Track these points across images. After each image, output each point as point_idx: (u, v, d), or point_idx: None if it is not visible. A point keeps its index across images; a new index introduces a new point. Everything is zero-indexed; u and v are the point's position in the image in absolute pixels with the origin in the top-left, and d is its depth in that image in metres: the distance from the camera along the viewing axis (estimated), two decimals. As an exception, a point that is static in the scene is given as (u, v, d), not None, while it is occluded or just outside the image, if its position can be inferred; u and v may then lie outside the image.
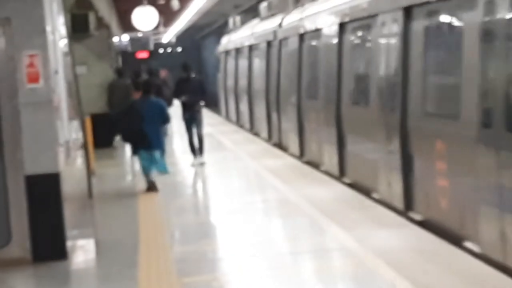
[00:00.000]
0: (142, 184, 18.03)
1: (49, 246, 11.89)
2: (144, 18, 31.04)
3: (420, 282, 9.34)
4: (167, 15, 37.73)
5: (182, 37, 72.01)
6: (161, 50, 79.71)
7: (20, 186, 11.84)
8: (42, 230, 11.84)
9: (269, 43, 27.78)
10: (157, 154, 17.64)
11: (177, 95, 21.80)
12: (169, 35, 64.74)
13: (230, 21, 41.09)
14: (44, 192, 11.87)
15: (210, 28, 66.70)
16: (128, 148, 25.00)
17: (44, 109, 11.90)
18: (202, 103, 21.71)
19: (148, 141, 17.38)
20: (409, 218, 13.19)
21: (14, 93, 11.80)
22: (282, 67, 25.47)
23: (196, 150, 21.38)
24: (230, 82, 37.52)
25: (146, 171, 17.71)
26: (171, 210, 15.71)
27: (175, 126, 27.90)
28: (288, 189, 16.29)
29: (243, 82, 33.62)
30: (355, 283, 9.81)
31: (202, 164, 21.11)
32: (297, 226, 13.39)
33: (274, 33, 26.77)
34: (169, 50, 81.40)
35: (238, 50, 35.48)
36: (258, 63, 30.29)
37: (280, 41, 25.79)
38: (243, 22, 37.96)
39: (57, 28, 13.50)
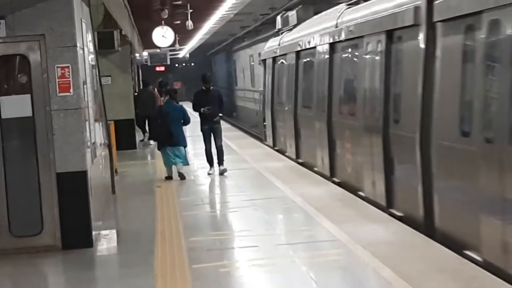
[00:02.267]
0: (163, 174, 19.62)
1: (77, 235, 11.92)
2: (162, 36, 31.16)
3: (400, 270, 9.35)
4: (182, 34, 37.80)
5: (195, 53, 72.04)
6: (176, 65, 79.69)
7: (52, 182, 11.88)
8: (71, 221, 11.88)
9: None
10: (181, 149, 19.03)
11: (195, 107, 19.36)
12: (183, 52, 64.74)
13: (278, 19, 27.84)
14: (73, 187, 11.90)
15: (219, 45, 66.74)
16: (147, 150, 24.88)
17: (74, 115, 11.93)
18: (220, 114, 19.78)
19: (175, 139, 18.79)
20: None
21: (48, 101, 11.84)
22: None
23: (213, 160, 19.59)
24: (286, 96, 24.12)
25: (168, 164, 19.17)
26: (185, 205, 15.73)
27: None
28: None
29: (318, 95, 19.81)
30: (344, 270, 9.78)
31: (223, 171, 19.35)
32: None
33: None
34: (183, 64, 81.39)
35: (302, 53, 22.27)
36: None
37: None
38: (301, 18, 24.78)
39: (86, 44, 13.53)
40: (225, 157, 19.79)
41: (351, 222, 12.57)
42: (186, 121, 19.14)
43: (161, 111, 19.34)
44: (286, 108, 23.80)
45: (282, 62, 25.10)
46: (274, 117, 26.26)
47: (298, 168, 20.16)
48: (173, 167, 19.26)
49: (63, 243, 11.89)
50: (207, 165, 19.97)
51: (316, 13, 23.27)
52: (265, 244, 11.61)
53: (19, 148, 12.03)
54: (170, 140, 18.85)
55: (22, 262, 11.42)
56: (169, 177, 19.22)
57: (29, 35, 11.84)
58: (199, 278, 9.81)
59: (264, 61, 28.86)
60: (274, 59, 26.67)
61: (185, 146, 19.33)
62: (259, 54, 27.54)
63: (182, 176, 19.04)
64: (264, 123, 27.83)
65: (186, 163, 19.36)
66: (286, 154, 23.67)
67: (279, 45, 26.08)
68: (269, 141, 27.15)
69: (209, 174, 19.66)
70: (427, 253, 10.28)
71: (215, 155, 19.73)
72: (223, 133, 20.21)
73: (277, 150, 25.06)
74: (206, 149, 19.64)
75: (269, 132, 27.33)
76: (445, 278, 9.01)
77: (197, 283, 9.56)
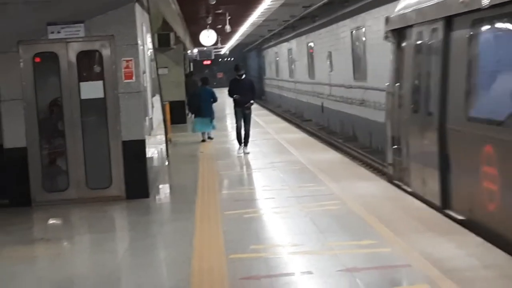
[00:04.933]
0: (198, 138, 21.26)
1: (137, 188, 11.94)
2: (207, 37, 31.10)
3: (384, 218, 9.30)
4: (223, 36, 37.73)
5: (233, 50, 71.87)
6: (219, 59, 79.55)
7: (119, 148, 11.93)
8: (133, 177, 11.92)
9: None
10: (209, 119, 20.70)
11: (230, 93, 17.70)
12: (224, 49, 64.60)
13: None
14: (134, 152, 11.94)
15: (252, 44, 66.56)
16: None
17: (135, 97, 11.96)
18: (252, 101, 17.70)
19: (204, 111, 20.47)
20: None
21: (116, 86, 11.88)
22: None
23: (241, 139, 17.75)
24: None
25: (199, 130, 21.10)
26: (220, 166, 15.76)
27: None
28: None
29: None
30: (337, 217, 9.71)
31: (246, 153, 17.48)
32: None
33: None
34: (224, 59, 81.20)
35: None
36: None
37: None
38: None
39: (146, 42, 13.54)
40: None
41: (346, 180, 12.46)
42: (214, 99, 20.57)
43: (196, 93, 21.28)
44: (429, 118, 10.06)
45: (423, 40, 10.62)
46: (407, 132, 11.30)
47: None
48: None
49: (127, 194, 11.93)
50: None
51: None
52: (279, 197, 11.61)
53: (94, 122, 12.09)
54: (202, 112, 20.50)
55: (95, 208, 11.50)
56: (203, 140, 21.04)
57: (102, 35, 11.87)
58: (229, 222, 9.85)
59: (395, 33, 12.10)
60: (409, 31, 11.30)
61: (212, 118, 20.84)
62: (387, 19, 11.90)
63: (210, 138, 21.16)
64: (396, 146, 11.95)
65: (213, 128, 21.11)
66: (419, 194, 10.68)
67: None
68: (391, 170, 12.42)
69: (238, 152, 17.69)
70: (406, 204, 10.21)
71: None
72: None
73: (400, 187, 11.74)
74: (237, 126, 17.82)
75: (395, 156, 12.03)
76: (416, 222, 8.97)
77: (227, 225, 9.59)
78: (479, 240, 7.89)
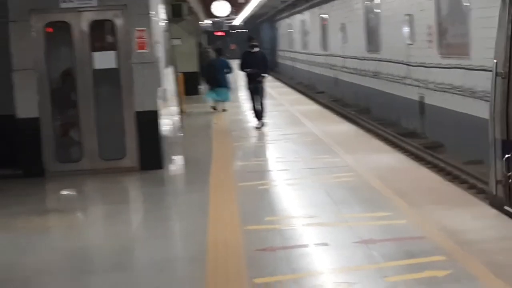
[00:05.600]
0: (211, 104, 21.55)
1: (151, 159, 11.86)
2: (220, 8, 30.92)
3: (399, 190, 9.21)
4: (236, 6, 37.49)
5: (247, 22, 71.50)
6: (233, 31, 79.17)
7: (132, 118, 11.87)
8: (146, 148, 11.85)
9: None
10: (224, 89, 20.74)
11: (242, 67, 16.95)
12: (237, 20, 64.24)
13: None
14: (148, 123, 11.86)
15: (265, 16, 66.20)
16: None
17: (149, 67, 11.86)
18: (264, 74, 16.97)
19: (219, 82, 20.51)
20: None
21: (129, 56, 11.78)
22: None
23: (259, 114, 16.97)
24: None
25: (214, 99, 21.12)
26: (234, 138, 15.70)
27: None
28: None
29: None
30: (351, 189, 9.63)
31: (263, 124, 16.88)
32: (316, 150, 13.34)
33: None
34: (238, 30, 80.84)
35: None
36: None
37: None
38: None
39: (158, 13, 13.43)
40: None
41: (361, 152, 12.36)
42: (229, 69, 20.67)
43: (211, 63, 21.55)
44: None
45: None
46: None
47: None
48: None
49: (141, 165, 11.86)
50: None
51: None
52: (293, 168, 11.55)
53: (108, 92, 12.03)
54: (217, 82, 20.58)
55: (109, 179, 11.45)
56: (214, 108, 21.21)
57: (115, 4, 11.77)
58: (243, 193, 9.80)
59: None
60: None
61: (228, 88, 20.86)
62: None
63: (224, 110, 20.91)
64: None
65: (228, 99, 21.13)
66: None
67: None
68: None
69: (256, 128, 16.90)
70: (421, 176, 10.15)
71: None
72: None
73: None
74: (252, 106, 17.12)
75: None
76: (430, 194, 8.90)
77: (241, 197, 9.56)
78: (494, 211, 7.82)
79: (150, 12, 11.83)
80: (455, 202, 8.41)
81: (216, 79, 20.62)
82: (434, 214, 7.85)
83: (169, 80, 14.76)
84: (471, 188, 12.95)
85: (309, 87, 41.79)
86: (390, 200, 8.70)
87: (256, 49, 16.95)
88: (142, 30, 11.72)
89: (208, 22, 47.80)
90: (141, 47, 11.76)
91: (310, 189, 9.84)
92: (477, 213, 7.84)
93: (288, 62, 56.34)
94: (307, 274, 6.28)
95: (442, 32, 18.14)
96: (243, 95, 24.59)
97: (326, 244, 7.07)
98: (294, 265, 6.49)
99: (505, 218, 7.56)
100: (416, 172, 10.56)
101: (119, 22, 11.79)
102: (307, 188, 9.92)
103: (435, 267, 6.09)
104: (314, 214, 8.32)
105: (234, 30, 78.74)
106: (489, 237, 6.91)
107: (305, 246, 7.11)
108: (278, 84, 36.34)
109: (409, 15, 20.37)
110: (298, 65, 49.74)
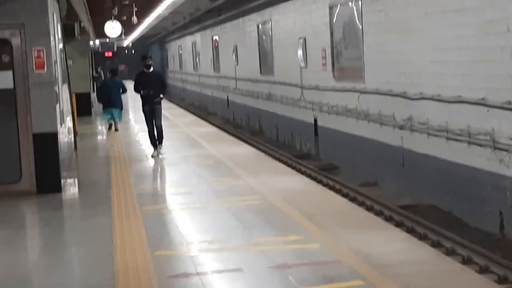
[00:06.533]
0: (105, 127, 22.23)
1: (48, 182, 11.50)
2: (112, 28, 30.43)
3: (307, 212, 9.21)
4: (127, 27, 37.05)
5: (136, 43, 70.87)
6: (122, 51, 78.25)
7: (29, 140, 11.45)
8: (44, 171, 11.47)
9: None
10: (117, 110, 21.59)
11: (137, 88, 15.58)
12: (127, 41, 63.54)
13: None
14: (46, 145, 11.48)
15: (155, 37, 65.80)
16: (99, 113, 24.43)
17: (47, 88, 11.50)
18: (161, 96, 15.60)
19: (113, 102, 21.32)
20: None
21: (26, 76, 11.38)
22: None
23: (156, 142, 15.69)
24: None
25: (108, 119, 21.86)
26: (133, 160, 15.36)
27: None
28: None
29: None
30: (260, 212, 9.54)
31: (160, 153, 15.61)
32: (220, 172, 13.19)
33: None
34: (126, 51, 79.94)
35: None
36: None
37: None
38: None
39: (56, 32, 13.04)
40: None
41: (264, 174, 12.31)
42: (124, 90, 21.55)
43: (105, 84, 22.19)
44: None
45: None
46: None
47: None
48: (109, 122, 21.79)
49: (38, 188, 11.48)
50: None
51: None
52: (198, 191, 11.36)
53: (3, 113, 11.56)
54: (111, 103, 21.30)
55: (5, 203, 10.99)
56: (109, 127, 21.82)
57: (12, 23, 11.35)
58: (148, 217, 9.52)
59: None
60: None
61: (121, 109, 21.79)
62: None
63: (117, 129, 21.53)
64: None
65: (120, 119, 22.07)
66: None
67: None
68: None
69: (152, 156, 15.55)
70: (324, 198, 10.16)
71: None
72: None
73: None
74: (148, 131, 15.75)
75: None
76: (338, 217, 8.91)
77: (147, 221, 9.28)
78: (404, 234, 7.88)
79: (49, 31, 11.45)
80: (364, 225, 8.43)
81: (111, 99, 21.25)
82: (346, 237, 7.84)
83: (65, 101, 14.33)
84: (369, 210, 13.09)
85: (201, 108, 41.69)
86: (300, 223, 8.63)
87: (151, 69, 15.63)
88: (40, 50, 11.34)
89: (97, 42, 47.04)
90: (39, 67, 11.37)
91: (218, 213, 9.66)
92: (388, 236, 7.87)
93: (179, 84, 56.14)
94: (225, 301, 6.11)
95: (336, 55, 18.41)
96: (134, 116, 24.28)
97: (241, 270, 6.92)
98: (211, 292, 6.32)
99: (415, 241, 7.62)
100: (321, 194, 10.57)
101: (16, 41, 11.36)
102: (214, 212, 9.75)
103: (354, 292, 6.04)
104: (225, 238, 8.16)
105: (124, 50, 77.95)
106: (404, 261, 6.93)
107: (220, 272, 6.94)
108: (171, 105, 36.08)
109: (302, 38, 20.56)
110: (189, 87, 49.59)
